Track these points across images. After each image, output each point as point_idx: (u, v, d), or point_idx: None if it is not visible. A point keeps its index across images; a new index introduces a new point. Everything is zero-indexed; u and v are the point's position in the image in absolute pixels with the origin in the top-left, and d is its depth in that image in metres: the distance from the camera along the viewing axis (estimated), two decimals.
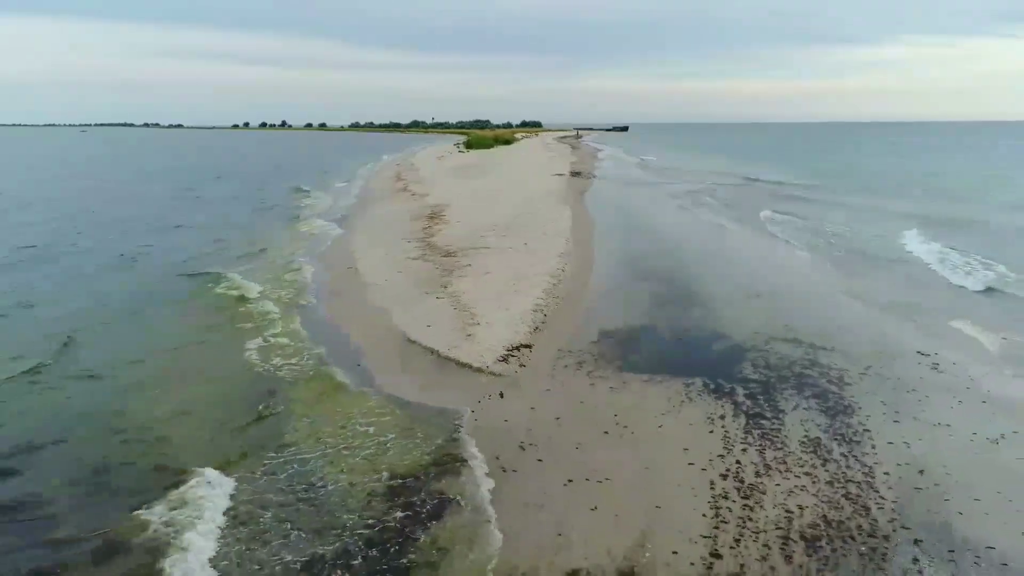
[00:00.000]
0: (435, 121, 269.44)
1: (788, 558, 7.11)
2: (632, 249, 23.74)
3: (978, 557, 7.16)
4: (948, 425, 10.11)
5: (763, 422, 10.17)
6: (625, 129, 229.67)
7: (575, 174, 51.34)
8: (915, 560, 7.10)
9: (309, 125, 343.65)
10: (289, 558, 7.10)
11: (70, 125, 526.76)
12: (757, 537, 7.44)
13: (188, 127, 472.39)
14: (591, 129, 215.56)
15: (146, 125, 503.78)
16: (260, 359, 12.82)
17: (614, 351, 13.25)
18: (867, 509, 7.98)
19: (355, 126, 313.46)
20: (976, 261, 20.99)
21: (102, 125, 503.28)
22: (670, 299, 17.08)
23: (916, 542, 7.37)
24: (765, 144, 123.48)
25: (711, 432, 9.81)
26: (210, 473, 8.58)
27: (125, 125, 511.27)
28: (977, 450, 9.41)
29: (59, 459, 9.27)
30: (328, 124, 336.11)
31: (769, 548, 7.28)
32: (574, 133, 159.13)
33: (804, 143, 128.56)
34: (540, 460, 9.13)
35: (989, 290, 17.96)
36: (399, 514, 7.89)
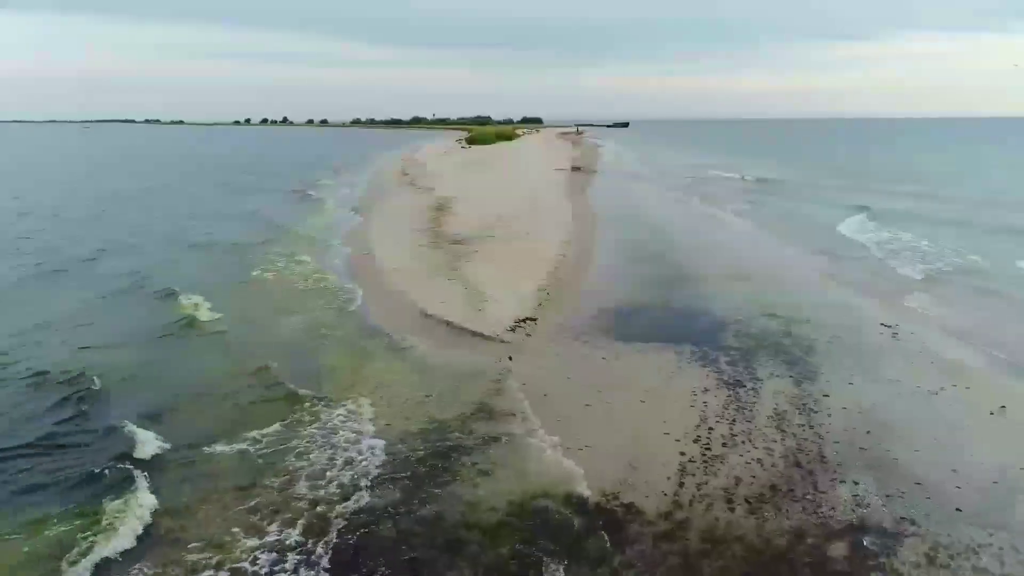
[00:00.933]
0: (436, 117, 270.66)
1: (731, 508, 8.46)
2: (629, 238, 25.33)
3: (904, 492, 8.54)
4: (899, 380, 11.73)
5: (739, 390, 11.73)
6: (626, 125, 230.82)
7: (576, 169, 52.87)
8: (854, 496, 8.48)
9: (311, 121, 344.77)
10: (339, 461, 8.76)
11: (70, 121, 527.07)
12: (717, 482, 9.00)
13: (189, 123, 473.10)
14: (592, 125, 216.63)
15: (147, 121, 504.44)
16: (305, 327, 14.62)
17: (610, 324, 14.84)
18: (819, 453, 9.57)
19: (356, 122, 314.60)
20: (949, 250, 22.57)
21: (103, 121, 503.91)
22: (662, 281, 18.66)
23: (855, 483, 8.77)
24: (766, 140, 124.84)
25: (691, 406, 11.04)
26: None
27: (126, 121, 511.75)
28: (919, 399, 11.03)
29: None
30: (330, 120, 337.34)
31: (730, 490, 8.85)
32: (575, 129, 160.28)
33: (804, 140, 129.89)
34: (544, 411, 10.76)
35: (950, 274, 19.59)
36: (437, 446, 9.53)
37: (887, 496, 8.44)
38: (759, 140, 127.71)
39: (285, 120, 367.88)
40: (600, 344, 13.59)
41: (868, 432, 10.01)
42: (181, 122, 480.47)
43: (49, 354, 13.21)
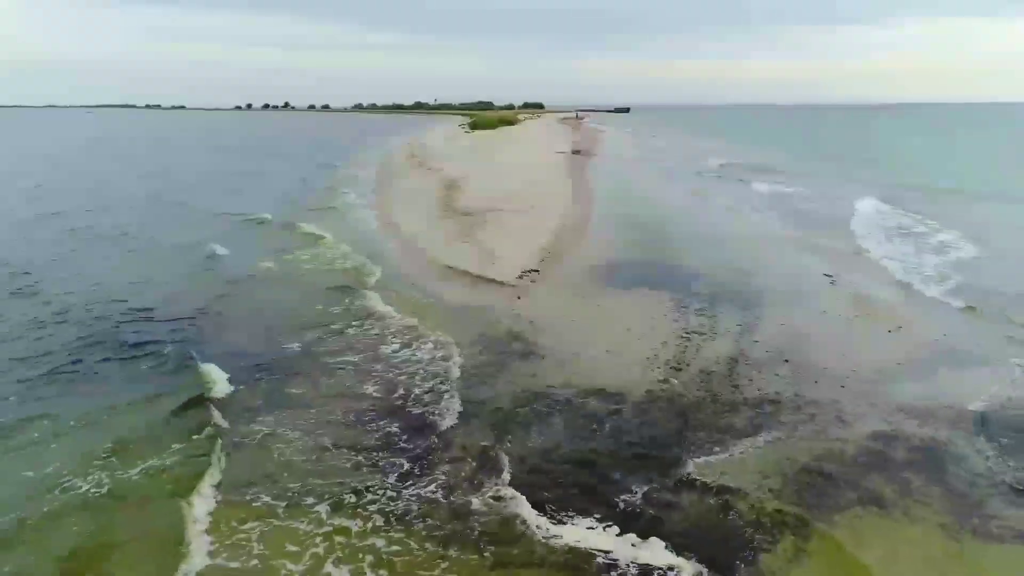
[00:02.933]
0: (438, 102, 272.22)
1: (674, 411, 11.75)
2: (622, 212, 28.31)
3: (804, 384, 11.54)
4: (825, 312, 14.87)
5: (701, 318, 14.86)
6: (627, 111, 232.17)
7: (576, 152, 55.69)
8: (765, 390, 11.57)
9: (312, 107, 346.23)
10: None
11: (71, 106, 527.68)
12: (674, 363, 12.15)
13: (191, 108, 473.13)
14: (593, 110, 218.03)
15: (148, 107, 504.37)
16: (348, 278, 17.75)
17: (602, 275, 17.95)
18: (749, 378, 12.69)
19: (358, 107, 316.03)
20: (912, 218, 25.61)
21: (103, 107, 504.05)
22: (649, 245, 21.73)
23: (770, 389, 11.92)
24: (764, 127, 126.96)
25: (652, 328, 14.40)
26: None
27: (127, 107, 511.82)
28: (837, 322, 14.19)
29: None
30: (331, 106, 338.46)
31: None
32: (574, 115, 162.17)
33: (806, 127, 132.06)
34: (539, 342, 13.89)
35: (895, 237, 22.66)
36: (468, 354, 12.67)
37: (789, 387, 11.49)
38: (757, 127, 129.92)
39: (287, 105, 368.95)
40: (592, 289, 16.72)
41: (789, 349, 13.06)
42: (183, 107, 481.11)
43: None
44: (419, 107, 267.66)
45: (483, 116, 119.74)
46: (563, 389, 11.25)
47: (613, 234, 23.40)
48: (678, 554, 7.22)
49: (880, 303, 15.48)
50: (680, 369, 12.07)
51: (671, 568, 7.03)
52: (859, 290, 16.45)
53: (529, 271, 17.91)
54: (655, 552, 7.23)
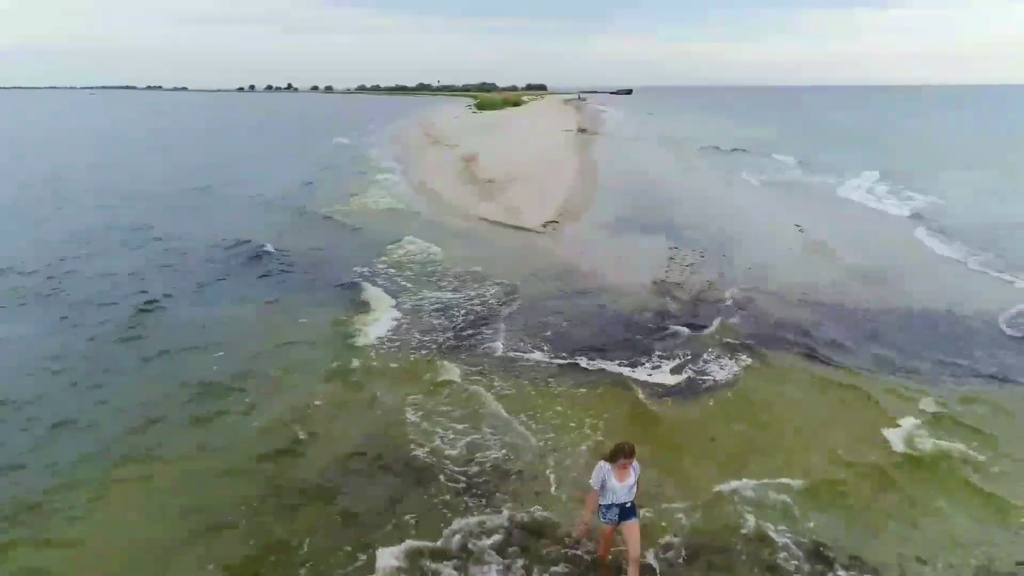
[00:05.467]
0: (441, 84, 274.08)
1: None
2: (623, 179, 32.07)
3: (755, 293, 15.43)
4: (790, 250, 18.71)
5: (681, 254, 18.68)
6: (629, 92, 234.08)
7: (581, 131, 59.17)
8: (725, 298, 15.43)
9: (315, 88, 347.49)
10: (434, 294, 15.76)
11: (71, 88, 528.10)
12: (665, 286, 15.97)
13: (192, 90, 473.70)
14: (595, 92, 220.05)
15: (149, 88, 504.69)
16: (402, 223, 21.62)
17: (609, 226, 21.73)
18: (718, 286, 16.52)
19: (361, 89, 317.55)
20: (883, 188, 29.34)
21: (104, 88, 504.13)
22: (646, 206, 25.48)
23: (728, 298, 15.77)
24: (764, 109, 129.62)
25: (661, 258, 18.18)
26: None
27: (127, 88, 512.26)
28: (796, 256, 18.06)
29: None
30: (335, 87, 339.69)
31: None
32: (577, 96, 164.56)
33: (802, 108, 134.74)
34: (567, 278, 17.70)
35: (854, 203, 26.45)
36: (496, 289, 16.48)
37: (747, 295, 15.29)
38: (754, 109, 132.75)
39: (290, 87, 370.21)
40: (603, 234, 20.57)
41: (756, 275, 16.89)
42: (185, 89, 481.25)
43: None
44: (422, 89, 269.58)
45: (488, 97, 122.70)
46: (589, 297, 15.05)
47: (617, 196, 27.17)
48: (671, 374, 11.13)
49: (832, 244, 19.31)
50: (673, 287, 15.86)
51: (667, 383, 10.90)
52: (819, 236, 20.27)
53: (551, 221, 21.71)
54: (659, 375, 11.12)
